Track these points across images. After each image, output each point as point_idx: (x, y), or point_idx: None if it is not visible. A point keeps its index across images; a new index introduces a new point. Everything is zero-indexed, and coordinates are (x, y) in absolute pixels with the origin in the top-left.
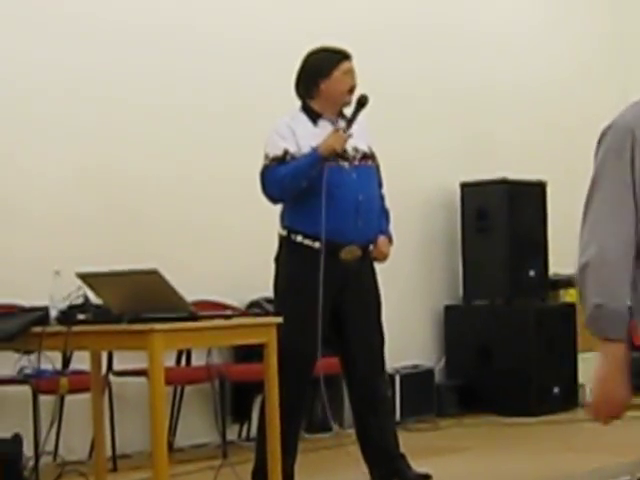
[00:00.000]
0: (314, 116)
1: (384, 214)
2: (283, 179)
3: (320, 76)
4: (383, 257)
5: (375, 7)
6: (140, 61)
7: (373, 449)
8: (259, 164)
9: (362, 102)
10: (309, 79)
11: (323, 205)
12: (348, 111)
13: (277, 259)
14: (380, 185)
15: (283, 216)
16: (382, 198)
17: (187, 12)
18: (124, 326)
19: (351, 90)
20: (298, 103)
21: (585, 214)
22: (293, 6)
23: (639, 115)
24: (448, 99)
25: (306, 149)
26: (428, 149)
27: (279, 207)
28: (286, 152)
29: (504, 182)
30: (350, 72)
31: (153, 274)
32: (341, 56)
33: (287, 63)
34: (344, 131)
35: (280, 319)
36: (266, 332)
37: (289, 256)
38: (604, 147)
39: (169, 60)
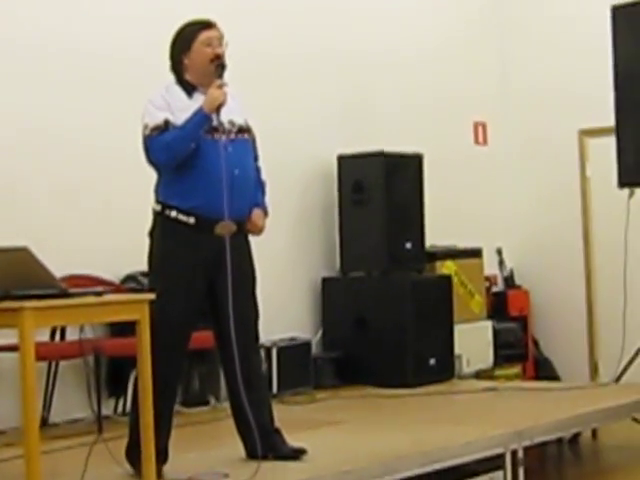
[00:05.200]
0: (189, 88)
1: (260, 186)
2: (171, 143)
3: (182, 51)
4: (258, 230)
5: None
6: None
7: (248, 424)
8: (136, 135)
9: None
10: (174, 56)
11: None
12: None
13: (151, 234)
14: (256, 158)
15: (157, 191)
16: (258, 170)
17: None
18: None
19: (214, 58)
20: None
21: None
22: None
23: None
24: (325, 71)
25: (181, 122)
26: (305, 121)
27: (154, 181)
28: (167, 122)
29: (381, 154)
30: (210, 41)
31: (22, 251)
32: (199, 27)
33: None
34: (221, 83)
35: (153, 295)
36: (138, 309)
37: (163, 231)
38: None
39: (46, 28)
